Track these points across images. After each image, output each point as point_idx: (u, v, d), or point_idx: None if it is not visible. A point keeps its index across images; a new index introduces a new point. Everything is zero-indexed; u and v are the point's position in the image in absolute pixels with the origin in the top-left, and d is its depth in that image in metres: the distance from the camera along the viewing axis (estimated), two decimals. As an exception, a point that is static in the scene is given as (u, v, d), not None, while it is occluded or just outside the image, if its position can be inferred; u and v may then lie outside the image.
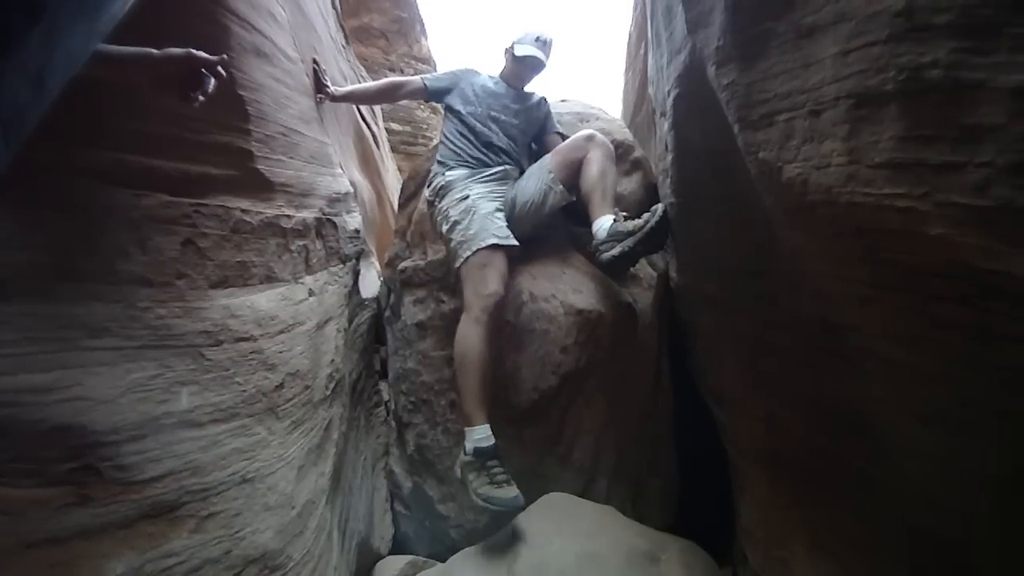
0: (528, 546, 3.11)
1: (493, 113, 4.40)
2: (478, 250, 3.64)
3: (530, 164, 4.46)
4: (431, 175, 4.36)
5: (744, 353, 3.03)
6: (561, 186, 4.03)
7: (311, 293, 2.89)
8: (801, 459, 2.69)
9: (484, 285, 3.52)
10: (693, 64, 2.64)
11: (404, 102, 11.69)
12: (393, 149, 8.09)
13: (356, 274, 3.97)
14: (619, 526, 3.39)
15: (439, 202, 4.10)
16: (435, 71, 12.98)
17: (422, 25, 12.87)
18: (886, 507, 2.19)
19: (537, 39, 4.45)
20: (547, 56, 4.50)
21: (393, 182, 6.66)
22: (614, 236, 3.59)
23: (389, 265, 4.52)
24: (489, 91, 4.50)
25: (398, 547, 4.11)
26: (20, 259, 1.71)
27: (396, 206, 5.34)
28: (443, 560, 3.51)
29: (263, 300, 2.46)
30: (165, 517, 1.91)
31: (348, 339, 3.58)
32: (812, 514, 2.66)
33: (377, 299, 4.41)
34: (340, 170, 3.55)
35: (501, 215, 3.92)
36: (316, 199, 3.15)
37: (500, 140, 4.34)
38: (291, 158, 2.82)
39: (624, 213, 3.79)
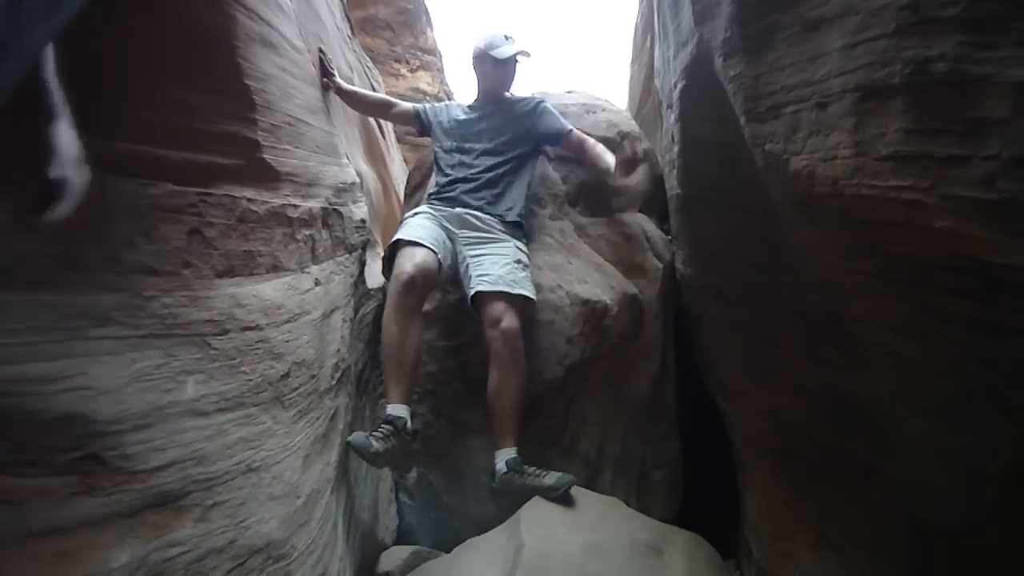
0: (532, 537, 3.10)
1: (467, 144, 4.38)
2: (399, 240, 3.81)
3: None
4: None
5: (750, 345, 3.03)
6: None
7: (317, 283, 2.90)
8: (806, 452, 2.69)
9: (400, 268, 3.62)
10: (700, 56, 2.64)
11: (410, 93, 11.70)
12: (399, 140, 8.06)
13: (362, 264, 3.97)
14: (623, 518, 3.39)
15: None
16: (440, 63, 12.99)
17: (428, 16, 12.87)
18: (890, 501, 2.19)
19: (507, 37, 4.42)
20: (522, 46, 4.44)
21: (399, 172, 6.64)
22: (510, 480, 3.46)
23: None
24: (459, 121, 4.51)
25: (403, 537, 4.11)
26: (24, 248, 1.71)
27: (402, 196, 5.36)
28: (448, 551, 3.51)
29: (269, 289, 2.46)
30: (170, 506, 1.91)
31: (354, 329, 3.59)
32: (816, 507, 2.66)
33: (383, 289, 4.40)
34: (346, 160, 3.54)
35: (438, 231, 4.00)
36: (322, 189, 3.15)
37: (479, 177, 4.25)
38: (297, 148, 2.82)
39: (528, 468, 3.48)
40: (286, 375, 2.46)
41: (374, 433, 3.23)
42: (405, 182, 5.34)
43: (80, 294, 1.80)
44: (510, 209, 4.17)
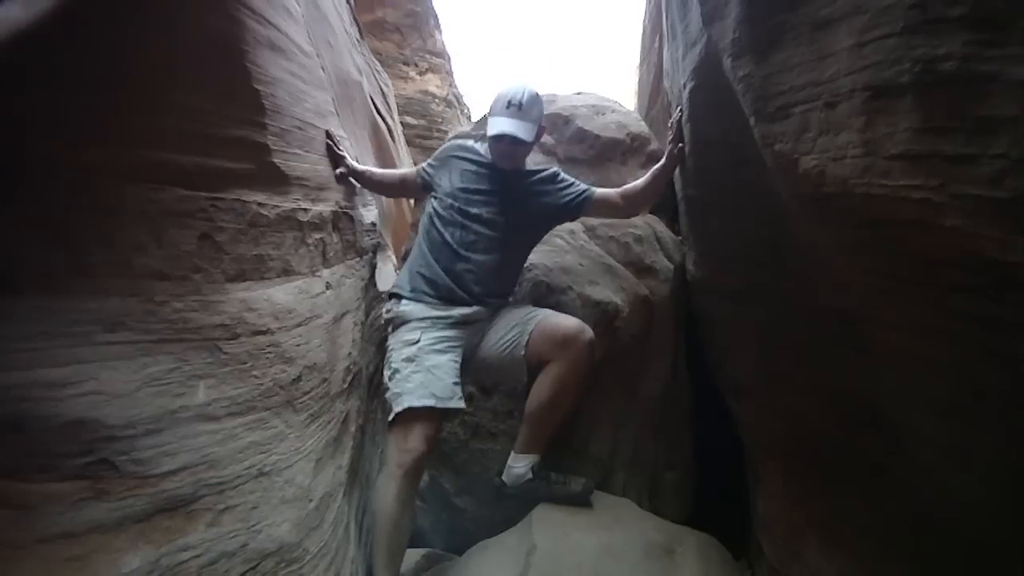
0: (545, 538, 3.11)
1: (474, 210, 3.59)
2: (410, 408, 3.14)
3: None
4: (389, 296, 3.69)
5: (760, 345, 3.03)
6: (524, 369, 3.50)
7: (328, 286, 2.90)
8: (817, 451, 2.69)
9: (405, 440, 3.10)
10: (708, 56, 2.63)
11: (419, 96, 11.70)
12: (408, 143, 8.09)
13: (373, 267, 3.97)
14: (636, 519, 3.41)
15: (390, 335, 3.52)
16: (449, 65, 12.97)
17: (436, 19, 12.86)
18: (901, 500, 2.19)
19: (508, 104, 3.49)
20: (527, 121, 3.51)
21: (408, 175, 6.65)
22: (535, 487, 3.43)
23: (405, 258, 4.36)
24: (469, 176, 3.68)
25: (415, 540, 4.08)
26: (33, 256, 1.72)
27: (412, 200, 5.34)
28: (460, 553, 3.55)
29: (280, 293, 2.47)
30: (181, 511, 1.92)
31: (365, 332, 3.61)
32: (827, 506, 2.66)
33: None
34: (356, 163, 3.54)
35: (452, 368, 3.34)
36: (332, 192, 3.16)
37: (476, 255, 3.54)
38: (307, 151, 2.83)
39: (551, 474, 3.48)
40: (297, 379, 2.46)
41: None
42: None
43: (90, 300, 1.81)
44: (506, 291, 3.77)
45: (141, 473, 1.82)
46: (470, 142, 3.87)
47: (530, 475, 3.38)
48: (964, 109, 1.26)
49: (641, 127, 4.78)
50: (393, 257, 4.93)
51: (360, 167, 3.70)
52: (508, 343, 3.49)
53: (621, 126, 4.63)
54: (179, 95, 2.02)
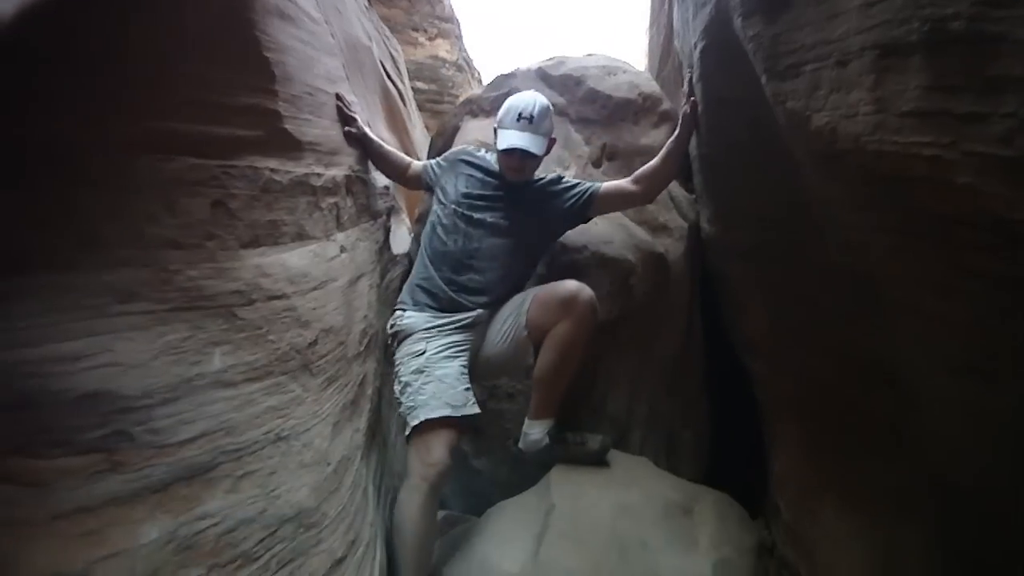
0: (563, 498, 3.15)
1: (477, 216, 3.55)
2: (427, 420, 3.05)
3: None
4: (393, 311, 3.61)
5: (775, 304, 3.04)
6: (533, 352, 3.43)
7: (343, 250, 2.91)
8: (832, 410, 2.70)
9: (428, 453, 2.99)
10: (719, 16, 2.62)
11: (429, 61, 11.66)
12: (419, 108, 8.05)
13: (387, 230, 3.99)
14: (653, 478, 3.43)
15: (396, 350, 3.44)
16: (458, 30, 12.91)
17: (445, -16, 12.80)
18: (915, 460, 2.20)
19: (520, 116, 3.44)
20: (538, 134, 3.46)
21: (421, 139, 6.62)
22: (552, 451, 3.44)
23: (420, 220, 4.40)
24: (474, 183, 3.64)
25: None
26: (44, 233, 1.73)
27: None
28: (478, 515, 3.57)
29: (295, 258, 2.48)
30: (199, 479, 1.93)
31: (381, 295, 3.63)
32: (843, 466, 2.67)
33: (408, 255, 4.38)
34: (368, 129, 3.54)
35: (462, 374, 3.28)
36: (345, 156, 3.18)
37: (480, 263, 3.50)
38: (319, 117, 2.83)
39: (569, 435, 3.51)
40: (314, 342, 2.48)
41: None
42: (427, 148, 5.31)
43: (104, 272, 1.81)
44: (513, 292, 3.61)
45: (158, 443, 1.83)
46: (480, 151, 3.84)
47: (546, 440, 3.38)
48: (973, 68, 1.26)
49: (653, 87, 4.76)
50: (407, 220, 4.92)
51: (372, 136, 3.67)
52: (508, 331, 3.46)
53: (633, 86, 4.61)
54: (189, 66, 2.02)
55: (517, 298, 3.53)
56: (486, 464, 3.97)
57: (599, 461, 3.46)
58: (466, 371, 3.32)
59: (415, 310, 3.47)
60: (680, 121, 3.54)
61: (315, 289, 2.56)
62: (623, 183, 3.65)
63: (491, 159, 3.71)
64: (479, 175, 3.66)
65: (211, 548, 1.89)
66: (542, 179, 3.68)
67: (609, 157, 4.45)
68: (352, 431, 2.74)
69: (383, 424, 3.49)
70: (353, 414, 2.80)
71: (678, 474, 3.62)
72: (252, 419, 2.12)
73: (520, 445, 3.48)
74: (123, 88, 1.87)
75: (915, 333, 1.94)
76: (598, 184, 3.64)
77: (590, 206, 3.61)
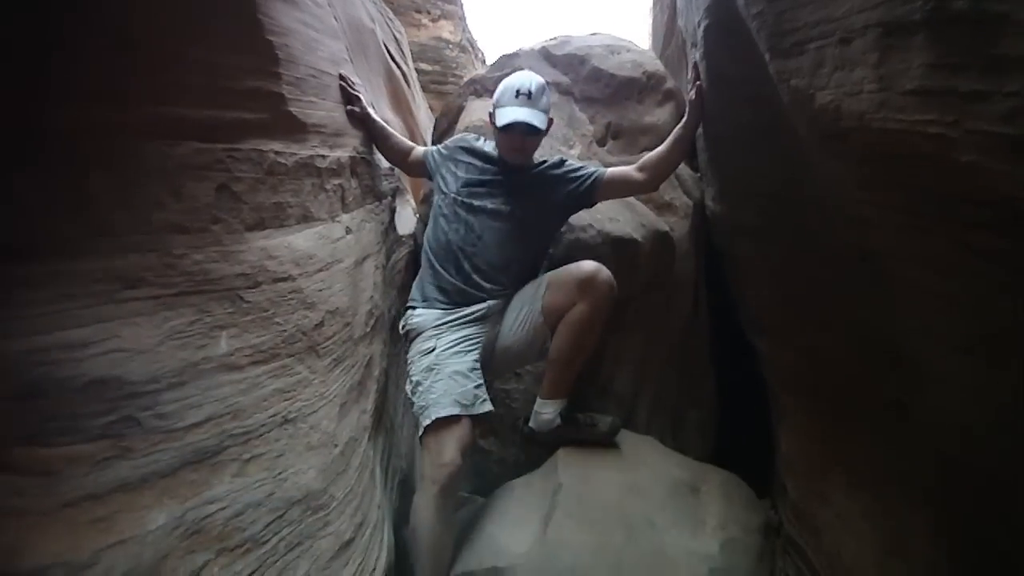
0: (570, 478, 3.17)
1: (478, 203, 3.49)
2: (437, 419, 2.98)
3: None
4: (403, 310, 3.58)
5: (781, 282, 3.04)
6: (550, 336, 3.35)
7: (348, 231, 2.92)
8: (838, 390, 2.70)
9: (440, 455, 2.91)
10: (722, -7, 2.63)
11: (432, 42, 11.65)
12: (423, 89, 8.04)
13: (392, 211, 3.98)
14: (660, 457, 3.46)
15: (407, 349, 3.40)
16: (462, 11, 12.87)
17: (447, -39, 12.77)
18: (922, 440, 2.20)
19: (518, 93, 3.40)
20: (538, 110, 3.40)
21: (425, 120, 6.62)
22: (563, 432, 3.43)
23: (424, 202, 4.43)
24: (473, 170, 3.60)
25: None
26: (50, 221, 1.73)
27: (429, 143, 5.34)
28: (486, 495, 3.59)
29: (300, 240, 2.49)
30: (207, 463, 1.94)
31: (386, 276, 3.63)
32: (849, 445, 2.68)
33: (414, 235, 4.38)
34: (372, 109, 3.53)
35: (474, 370, 3.20)
36: (349, 138, 3.18)
37: (483, 251, 3.43)
38: (323, 99, 2.84)
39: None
40: (320, 324, 2.50)
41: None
42: (432, 129, 5.31)
43: (110, 258, 1.82)
44: (525, 280, 3.55)
45: (165, 428, 1.84)
46: (480, 139, 3.79)
47: (558, 421, 3.38)
48: (977, 48, 1.25)
49: (657, 65, 4.78)
50: (412, 200, 4.92)
51: (375, 117, 3.63)
52: (524, 318, 3.41)
53: (637, 65, 4.62)
54: (192, 51, 2.02)
55: (531, 285, 3.48)
56: (493, 444, 3.97)
57: (609, 442, 3.45)
58: (478, 366, 3.25)
59: (424, 307, 3.43)
60: (688, 108, 3.46)
61: (321, 271, 2.56)
62: (628, 170, 3.58)
63: (490, 147, 3.68)
64: (478, 162, 3.62)
65: (219, 532, 1.91)
66: (544, 162, 3.63)
67: (614, 136, 4.46)
68: (359, 412, 2.75)
69: (389, 405, 3.49)
70: (360, 395, 2.81)
71: (685, 453, 3.64)
72: (259, 402, 2.13)
73: (531, 424, 3.48)
74: (128, 74, 1.87)
75: (919, 311, 1.94)
76: (603, 169, 3.58)
77: (594, 192, 3.55)
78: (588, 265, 3.29)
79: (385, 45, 5.21)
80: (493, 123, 3.49)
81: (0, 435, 1.59)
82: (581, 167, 3.60)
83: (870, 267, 2.14)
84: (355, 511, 2.51)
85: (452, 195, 3.55)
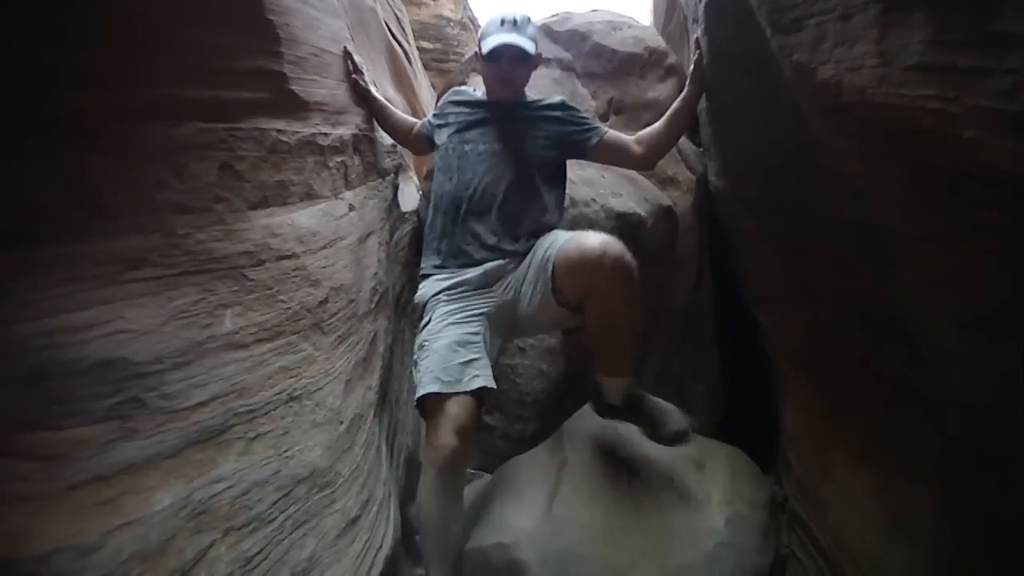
0: (575, 453, 3.20)
1: (468, 147, 3.32)
2: (423, 396, 2.76)
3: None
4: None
5: (784, 256, 3.04)
6: (569, 312, 3.06)
7: (351, 208, 2.93)
8: (842, 365, 2.71)
9: (435, 436, 2.68)
10: (723, -31, 2.62)
11: (433, 20, 11.63)
12: (425, 67, 8.03)
13: (395, 188, 3.99)
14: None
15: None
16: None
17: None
18: (926, 416, 2.20)
19: (503, 22, 3.27)
20: (525, 36, 3.27)
21: (427, 98, 6.60)
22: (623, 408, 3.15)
23: (428, 178, 4.31)
24: (463, 115, 3.46)
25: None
26: (52, 204, 1.74)
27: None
28: (491, 471, 3.62)
29: (304, 217, 2.50)
30: (212, 442, 1.95)
31: (390, 252, 3.64)
32: (854, 421, 2.68)
33: (417, 212, 4.39)
34: (374, 87, 3.53)
35: (466, 344, 2.91)
36: (352, 116, 3.18)
37: (479, 197, 3.21)
38: (325, 77, 2.84)
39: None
40: (324, 301, 2.51)
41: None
42: (434, 106, 5.31)
43: (112, 240, 1.83)
44: (533, 232, 3.24)
45: (171, 408, 1.85)
46: (468, 90, 3.66)
47: (623, 402, 3.14)
48: (976, 24, 1.26)
49: (658, 41, 4.80)
50: (415, 177, 4.91)
51: (376, 95, 3.57)
52: (536, 291, 3.05)
53: (638, 40, 4.64)
54: (193, 31, 2.03)
55: (543, 244, 3.13)
56: (499, 419, 3.99)
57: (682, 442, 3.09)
58: (475, 339, 2.95)
59: (425, 275, 3.24)
60: (688, 81, 3.35)
61: (324, 248, 2.57)
62: (628, 141, 3.39)
63: (480, 93, 3.57)
64: (467, 109, 3.48)
65: (225, 512, 1.92)
66: (540, 101, 3.49)
67: (616, 111, 4.47)
68: (364, 389, 2.76)
69: (395, 381, 3.50)
70: (365, 372, 2.82)
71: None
72: (264, 380, 2.14)
73: (594, 406, 3.29)
74: (129, 56, 1.88)
75: (920, 286, 1.95)
76: (605, 130, 3.42)
77: (593, 144, 3.37)
78: (592, 243, 2.89)
79: (386, 23, 5.20)
80: (480, 56, 3.38)
81: (3, 421, 1.60)
82: (585, 117, 3.47)
83: (872, 242, 2.14)
84: (361, 488, 2.52)
85: (445, 147, 3.41)
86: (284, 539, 2.08)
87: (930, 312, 1.96)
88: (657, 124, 3.41)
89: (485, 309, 3.06)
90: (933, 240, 1.76)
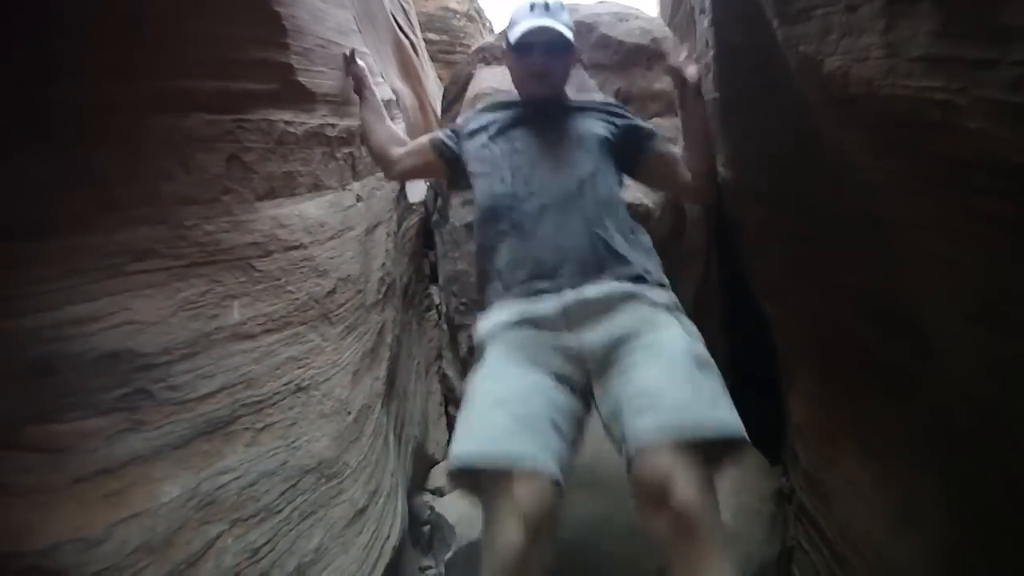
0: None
1: (518, 143, 2.68)
2: (452, 471, 2.06)
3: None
4: None
5: (791, 248, 3.03)
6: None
7: (359, 199, 2.94)
8: (849, 356, 2.70)
9: (491, 531, 1.92)
10: (729, -40, 2.62)
11: (440, 12, 11.60)
12: (432, 58, 8.05)
13: (403, 179, 3.93)
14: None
15: None
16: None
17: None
18: (933, 408, 2.20)
19: (532, 7, 2.71)
20: (559, 21, 2.70)
21: (434, 89, 6.61)
22: None
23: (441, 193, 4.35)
24: (500, 117, 2.82)
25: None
26: (58, 197, 1.75)
27: (439, 112, 5.33)
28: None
29: (311, 208, 2.50)
30: (220, 433, 1.96)
31: (398, 243, 3.64)
32: (860, 413, 2.68)
33: (424, 203, 4.40)
34: (381, 79, 3.55)
35: (528, 398, 2.16)
36: (359, 107, 3.16)
37: (533, 195, 2.49)
38: (332, 68, 2.84)
39: None
40: (332, 291, 2.52)
41: None
42: (441, 98, 5.31)
43: (119, 232, 1.84)
44: (630, 262, 2.66)
45: (178, 399, 1.86)
46: (496, 97, 3.26)
47: None
48: (982, 16, 1.25)
49: (665, 32, 4.79)
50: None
51: (378, 104, 3.11)
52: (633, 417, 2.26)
53: (645, 32, 4.63)
54: (200, 24, 2.04)
55: (670, 341, 2.59)
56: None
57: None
58: (549, 392, 2.26)
59: (487, 310, 2.46)
60: (685, 98, 3.12)
61: (332, 238, 2.58)
62: (681, 161, 3.04)
63: (510, 96, 2.97)
64: (501, 111, 2.85)
65: (233, 503, 1.93)
66: (588, 101, 3.09)
67: (623, 102, 4.45)
68: (372, 379, 2.76)
69: (402, 372, 3.51)
70: (373, 362, 2.83)
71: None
72: (271, 370, 2.15)
73: None
74: (136, 49, 1.89)
75: (927, 278, 1.94)
76: (665, 140, 3.04)
77: (651, 148, 2.97)
78: (663, 468, 2.06)
79: (393, 15, 5.20)
80: (508, 49, 2.82)
81: (10, 414, 1.61)
82: (647, 124, 3.05)
83: (879, 233, 2.14)
84: (369, 478, 2.52)
85: (487, 146, 2.71)
86: (291, 530, 2.09)
87: (937, 304, 1.96)
88: (693, 159, 3.08)
89: (564, 352, 2.36)
90: (940, 231, 1.76)
